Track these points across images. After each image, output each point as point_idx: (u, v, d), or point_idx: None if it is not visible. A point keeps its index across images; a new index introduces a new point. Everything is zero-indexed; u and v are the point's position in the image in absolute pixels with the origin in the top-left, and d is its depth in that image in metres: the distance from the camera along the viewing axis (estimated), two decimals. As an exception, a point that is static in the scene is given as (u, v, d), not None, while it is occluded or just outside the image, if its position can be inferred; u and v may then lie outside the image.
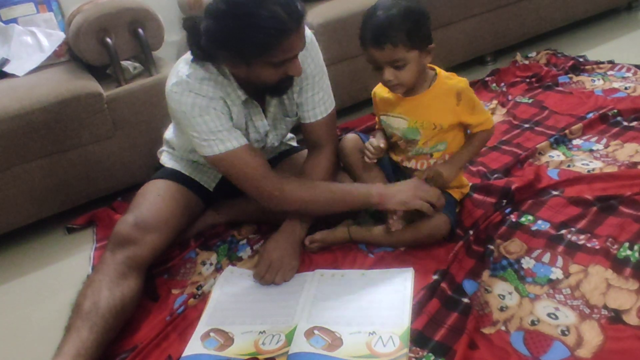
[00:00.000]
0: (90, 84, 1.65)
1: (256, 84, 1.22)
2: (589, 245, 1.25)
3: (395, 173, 1.43)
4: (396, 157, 1.42)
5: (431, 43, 1.25)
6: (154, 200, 1.34)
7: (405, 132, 1.35)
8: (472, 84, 2.28)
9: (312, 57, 1.31)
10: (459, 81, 1.32)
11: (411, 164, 1.39)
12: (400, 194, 1.29)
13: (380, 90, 1.40)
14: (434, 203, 1.28)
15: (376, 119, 1.47)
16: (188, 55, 1.23)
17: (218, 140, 1.24)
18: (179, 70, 1.23)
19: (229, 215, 1.55)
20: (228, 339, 1.15)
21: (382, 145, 1.36)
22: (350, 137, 1.46)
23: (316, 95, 1.36)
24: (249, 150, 1.27)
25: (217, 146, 1.24)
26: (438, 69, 1.34)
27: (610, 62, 2.25)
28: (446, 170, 1.32)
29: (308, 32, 1.30)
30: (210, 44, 1.12)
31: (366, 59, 1.27)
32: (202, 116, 1.21)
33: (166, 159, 1.52)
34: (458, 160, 1.35)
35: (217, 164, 1.28)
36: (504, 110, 2.01)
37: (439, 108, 1.30)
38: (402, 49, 1.20)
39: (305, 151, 1.48)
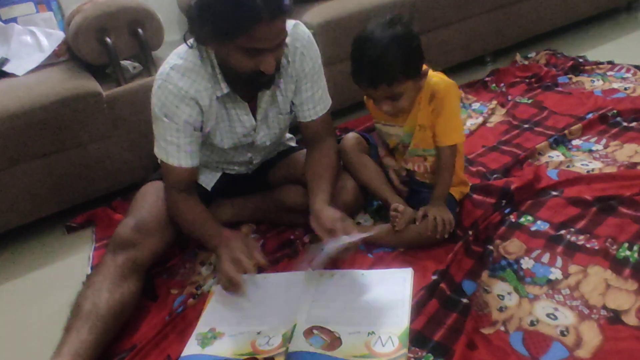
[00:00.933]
0: (89, 84, 1.65)
1: (234, 71, 1.19)
2: (588, 245, 1.26)
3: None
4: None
5: (424, 64, 1.23)
6: (154, 203, 1.34)
7: (403, 138, 1.36)
8: (472, 84, 2.29)
9: (310, 56, 1.31)
10: (442, 81, 1.28)
11: (408, 166, 1.40)
12: (221, 258, 1.21)
13: None
14: (246, 267, 1.18)
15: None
16: (190, 42, 1.23)
17: (163, 149, 1.28)
18: (170, 59, 1.25)
19: (227, 215, 1.54)
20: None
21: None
22: (351, 137, 1.47)
23: (316, 94, 1.36)
24: (184, 171, 1.30)
25: (160, 152, 1.30)
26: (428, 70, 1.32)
27: (610, 62, 2.25)
28: (434, 209, 1.30)
29: (306, 32, 1.31)
30: (195, 15, 1.11)
31: (362, 92, 1.27)
32: (163, 120, 1.24)
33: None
34: (438, 195, 1.33)
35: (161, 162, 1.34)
36: (504, 111, 2.01)
37: (420, 107, 1.29)
38: (397, 85, 1.20)
39: (305, 151, 1.48)
